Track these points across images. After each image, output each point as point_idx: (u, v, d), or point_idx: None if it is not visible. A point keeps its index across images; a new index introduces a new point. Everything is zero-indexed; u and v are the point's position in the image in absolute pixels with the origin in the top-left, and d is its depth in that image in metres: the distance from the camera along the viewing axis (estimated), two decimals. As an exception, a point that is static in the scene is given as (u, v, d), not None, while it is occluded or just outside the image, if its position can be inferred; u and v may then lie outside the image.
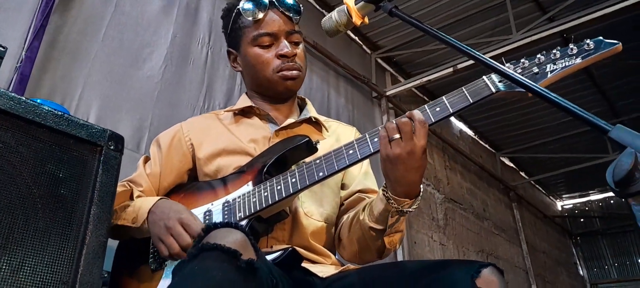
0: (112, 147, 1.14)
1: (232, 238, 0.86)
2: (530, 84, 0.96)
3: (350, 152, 1.17)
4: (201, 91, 3.28)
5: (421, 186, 1.17)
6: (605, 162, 7.06)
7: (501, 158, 7.89)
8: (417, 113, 1.11)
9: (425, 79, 5.12)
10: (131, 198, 1.36)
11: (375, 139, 1.15)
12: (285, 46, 1.43)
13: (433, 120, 1.13)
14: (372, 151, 1.15)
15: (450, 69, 4.87)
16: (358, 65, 5.09)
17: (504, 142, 7.63)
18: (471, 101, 1.12)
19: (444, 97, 1.14)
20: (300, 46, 1.49)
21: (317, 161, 1.20)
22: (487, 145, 7.61)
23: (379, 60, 5.58)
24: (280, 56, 1.43)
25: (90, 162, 1.10)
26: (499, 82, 1.11)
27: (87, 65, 2.67)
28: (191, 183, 1.44)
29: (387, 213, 1.19)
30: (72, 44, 2.64)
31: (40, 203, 0.98)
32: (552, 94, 0.90)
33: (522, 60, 1.13)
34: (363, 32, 5.25)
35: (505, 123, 6.99)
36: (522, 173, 8.61)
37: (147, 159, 1.49)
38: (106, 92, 2.70)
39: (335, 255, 1.41)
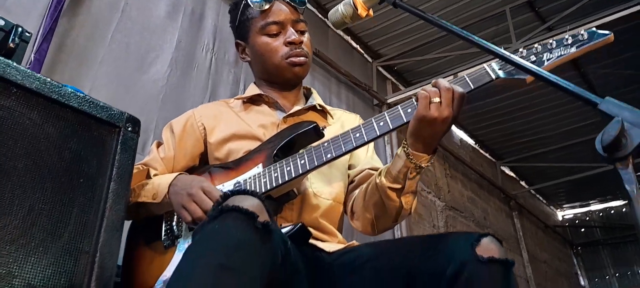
0: (129, 129, 1.20)
1: (249, 202, 0.91)
2: (529, 66, 1.02)
3: (357, 135, 1.23)
4: (205, 96, 3.34)
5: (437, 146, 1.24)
6: (605, 172, 7.09)
7: (502, 167, 7.93)
8: (455, 86, 1.18)
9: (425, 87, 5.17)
10: (148, 177, 1.42)
11: (381, 123, 1.21)
12: (292, 33, 1.50)
13: None
14: (379, 134, 1.21)
15: (451, 77, 4.92)
16: (359, 72, 5.15)
17: (504, 151, 7.67)
18: (472, 87, 1.20)
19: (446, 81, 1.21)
20: (306, 34, 1.56)
21: (325, 144, 1.26)
22: (487, 154, 7.65)
23: (380, 69, 5.64)
24: (288, 43, 1.50)
25: (109, 142, 1.16)
26: (499, 69, 1.18)
27: (94, 68, 2.72)
28: (203, 167, 1.49)
29: (406, 170, 1.24)
30: (80, 48, 2.69)
31: (64, 177, 1.04)
32: (547, 73, 0.97)
33: (520, 50, 1.20)
34: (364, 40, 5.32)
35: (505, 132, 7.03)
36: (523, 183, 8.64)
37: (159, 144, 1.55)
38: (112, 96, 2.74)
39: (341, 234, 1.46)
